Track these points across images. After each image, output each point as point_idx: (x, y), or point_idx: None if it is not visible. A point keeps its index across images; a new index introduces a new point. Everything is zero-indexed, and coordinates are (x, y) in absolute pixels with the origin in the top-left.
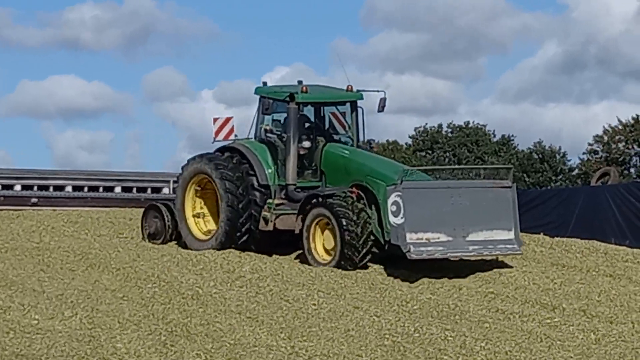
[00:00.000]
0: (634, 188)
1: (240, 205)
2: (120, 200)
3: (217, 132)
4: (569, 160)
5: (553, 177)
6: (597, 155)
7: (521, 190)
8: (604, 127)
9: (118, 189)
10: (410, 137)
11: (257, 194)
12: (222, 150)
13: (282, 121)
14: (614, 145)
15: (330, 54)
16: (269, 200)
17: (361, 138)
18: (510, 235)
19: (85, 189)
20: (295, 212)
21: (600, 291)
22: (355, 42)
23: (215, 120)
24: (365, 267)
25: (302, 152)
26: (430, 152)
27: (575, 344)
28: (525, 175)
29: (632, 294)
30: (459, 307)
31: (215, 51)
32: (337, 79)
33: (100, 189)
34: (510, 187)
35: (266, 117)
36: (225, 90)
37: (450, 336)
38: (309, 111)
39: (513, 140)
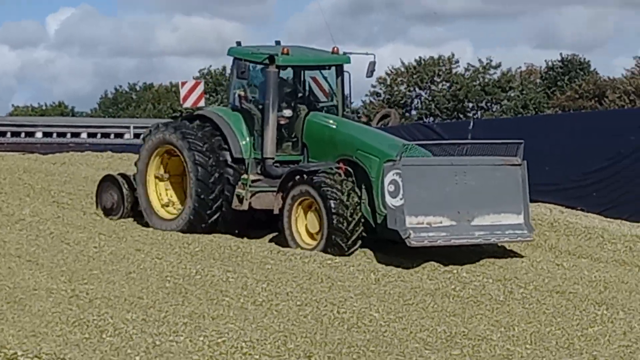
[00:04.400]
0: (414, 129)
1: (211, 180)
2: None
3: (185, 98)
4: (352, 103)
5: None
6: (379, 98)
7: None
8: (386, 69)
9: None
10: (194, 79)
11: (230, 170)
12: (190, 118)
13: (259, 86)
14: (395, 88)
15: None
16: (244, 176)
17: (347, 106)
18: (520, 219)
19: None
20: (274, 189)
21: None
22: None
23: (183, 84)
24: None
25: (282, 122)
26: (214, 94)
27: (355, 284)
28: None
29: None
30: (241, 249)
31: None
32: (126, 21)
33: None
34: (520, 164)
35: (241, 82)
36: (10, 30)
37: (232, 277)
38: (289, 76)
39: None
